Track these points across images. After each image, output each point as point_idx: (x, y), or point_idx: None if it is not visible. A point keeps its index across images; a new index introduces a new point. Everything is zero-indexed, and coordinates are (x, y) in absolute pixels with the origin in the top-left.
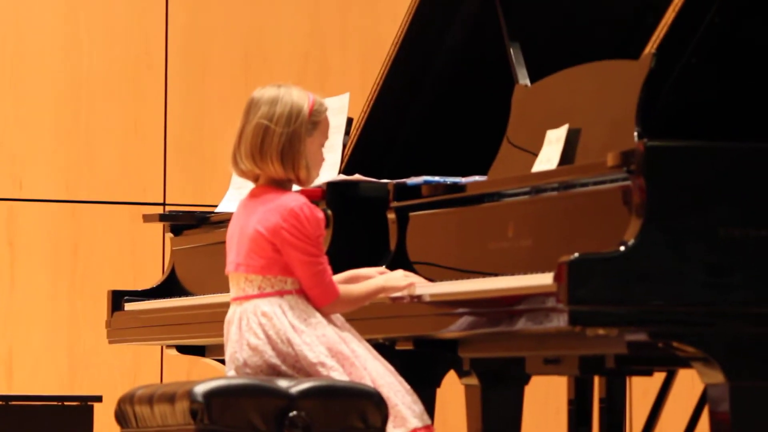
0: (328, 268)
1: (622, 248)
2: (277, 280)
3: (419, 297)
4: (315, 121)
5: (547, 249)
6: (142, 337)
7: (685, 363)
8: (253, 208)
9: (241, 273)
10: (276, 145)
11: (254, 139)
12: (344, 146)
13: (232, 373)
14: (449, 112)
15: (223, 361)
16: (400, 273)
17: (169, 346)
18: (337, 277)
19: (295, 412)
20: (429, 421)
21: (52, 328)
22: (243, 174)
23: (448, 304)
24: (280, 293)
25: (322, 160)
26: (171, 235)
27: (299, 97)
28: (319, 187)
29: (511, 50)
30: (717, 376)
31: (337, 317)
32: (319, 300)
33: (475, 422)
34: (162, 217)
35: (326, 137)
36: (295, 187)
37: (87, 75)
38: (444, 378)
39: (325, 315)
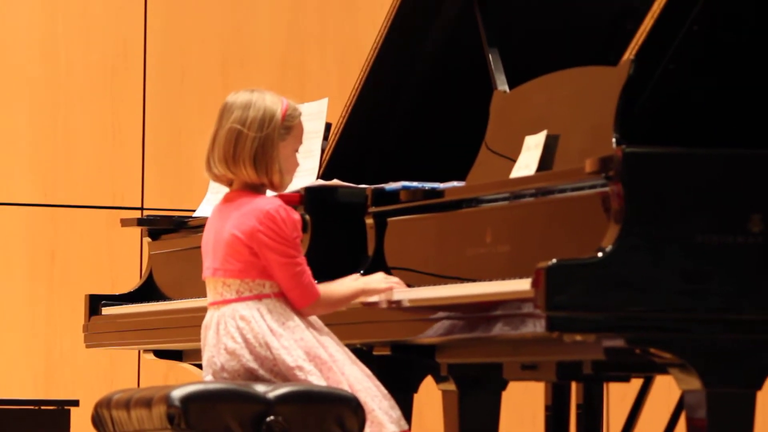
0: (307, 270)
1: (600, 254)
2: (255, 283)
3: (397, 302)
4: (288, 126)
5: (525, 255)
6: (120, 341)
7: (662, 369)
8: (227, 212)
9: (218, 278)
10: (249, 150)
11: (227, 143)
12: (322, 151)
13: (209, 377)
14: (428, 118)
15: (200, 366)
16: (380, 276)
17: (146, 351)
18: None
19: (272, 417)
20: (406, 427)
21: (29, 331)
22: (216, 178)
23: (426, 309)
24: (259, 297)
25: (297, 165)
26: (149, 239)
27: (272, 101)
28: (297, 192)
29: (490, 56)
30: (694, 383)
31: (316, 320)
32: (299, 301)
33: (452, 428)
34: (140, 222)
35: (300, 142)
36: (273, 193)
37: (65, 79)
38: (421, 383)
39: (306, 316)
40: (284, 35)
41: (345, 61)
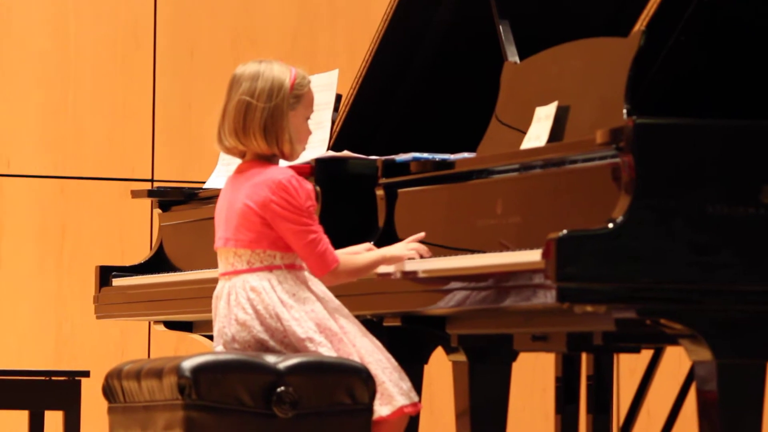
0: (324, 238)
1: (611, 225)
2: (266, 254)
3: (409, 273)
4: (298, 95)
5: (536, 226)
6: (130, 312)
7: (673, 340)
8: (240, 183)
9: (230, 248)
10: (258, 121)
11: (237, 115)
12: (333, 123)
13: (220, 348)
14: (438, 89)
15: (210, 337)
16: (402, 243)
17: (156, 322)
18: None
19: (282, 388)
20: (416, 399)
21: (39, 303)
22: (228, 151)
23: (437, 280)
24: (269, 268)
25: (309, 133)
26: (159, 210)
27: (280, 71)
28: (307, 163)
29: (501, 27)
30: (704, 354)
31: (327, 292)
32: (318, 269)
33: (463, 399)
34: (150, 193)
35: (311, 110)
36: (285, 163)
37: (75, 52)
38: (431, 355)
39: (329, 285)
40: (294, 9)
41: (355, 36)
